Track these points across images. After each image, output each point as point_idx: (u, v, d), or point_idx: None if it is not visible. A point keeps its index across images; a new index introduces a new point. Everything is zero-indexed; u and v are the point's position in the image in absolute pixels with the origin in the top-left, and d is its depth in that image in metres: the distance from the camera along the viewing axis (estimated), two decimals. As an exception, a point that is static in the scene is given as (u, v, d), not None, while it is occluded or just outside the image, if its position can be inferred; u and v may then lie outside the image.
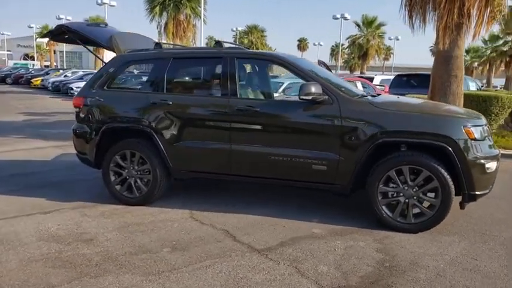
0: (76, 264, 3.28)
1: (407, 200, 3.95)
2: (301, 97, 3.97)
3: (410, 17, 8.64)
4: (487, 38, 37.83)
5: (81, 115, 4.89)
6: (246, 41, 42.51)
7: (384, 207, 4.01)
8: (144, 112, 4.54)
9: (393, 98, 5.57)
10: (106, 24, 5.46)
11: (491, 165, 3.90)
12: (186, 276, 3.10)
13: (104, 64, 5.00)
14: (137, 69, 4.84)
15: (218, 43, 4.71)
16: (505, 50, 34.74)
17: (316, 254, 3.50)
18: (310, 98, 3.97)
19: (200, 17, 23.11)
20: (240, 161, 4.34)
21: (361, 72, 33.91)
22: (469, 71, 42.02)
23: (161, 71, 4.62)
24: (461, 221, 4.32)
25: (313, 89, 3.94)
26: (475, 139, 3.83)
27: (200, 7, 22.94)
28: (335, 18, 32.58)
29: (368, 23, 33.50)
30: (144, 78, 5.12)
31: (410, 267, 3.28)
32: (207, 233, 3.93)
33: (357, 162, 3.98)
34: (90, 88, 4.87)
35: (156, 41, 6.06)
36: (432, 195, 3.90)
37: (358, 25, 33.51)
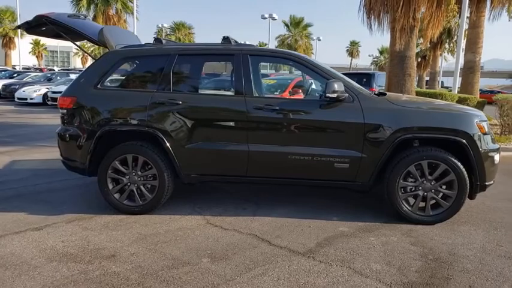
0: (114, 285, 2.91)
1: (425, 194, 4.09)
2: (328, 95, 3.93)
3: (369, 18, 9.02)
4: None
5: (71, 117, 4.36)
6: (173, 38, 41.37)
7: (403, 201, 4.12)
8: (150, 113, 4.17)
9: (403, 96, 5.72)
10: (85, 16, 4.93)
11: (497, 157, 4.19)
12: (246, 287, 2.90)
13: (95, 60, 4.50)
14: (133, 65, 4.38)
15: (226, 39, 4.48)
16: (417, 51, 37.87)
17: (360, 252, 3.48)
18: (335, 95, 3.94)
19: (132, 12, 22.01)
20: (258, 162, 4.17)
21: (290, 72, 34.77)
22: (383, 69, 45.14)
23: (166, 68, 4.28)
24: (463, 211, 4.57)
25: (338, 87, 3.92)
26: (485, 133, 4.08)
27: (132, 2, 21.83)
28: (263, 18, 33.02)
29: (295, 23, 34.54)
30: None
31: (453, 258, 3.39)
32: (236, 239, 3.73)
33: (379, 159, 4.04)
34: (82, 86, 4.36)
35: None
36: (448, 187, 4.08)
37: (286, 25, 34.46)
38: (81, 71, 22.98)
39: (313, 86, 5.90)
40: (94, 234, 3.81)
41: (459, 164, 3.98)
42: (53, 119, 13.63)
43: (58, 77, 21.35)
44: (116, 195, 4.31)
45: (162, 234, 3.84)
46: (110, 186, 4.29)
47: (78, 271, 3.11)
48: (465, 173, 3.99)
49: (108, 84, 4.39)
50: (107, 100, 4.30)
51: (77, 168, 4.45)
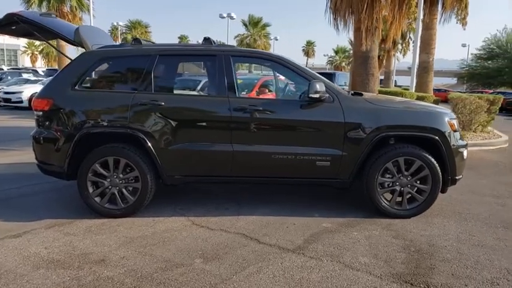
0: (110, 290, 2.87)
1: (402, 189, 4.31)
2: (310, 95, 4.04)
3: (335, 19, 9.28)
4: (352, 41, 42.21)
5: (47, 119, 4.21)
6: (129, 37, 40.28)
7: (381, 196, 4.31)
8: (131, 114, 4.11)
9: (378, 95, 5.93)
10: (56, 15, 4.76)
11: (465, 153, 4.48)
12: (244, 285, 2.95)
13: (71, 61, 4.36)
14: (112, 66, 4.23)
15: (208, 40, 4.48)
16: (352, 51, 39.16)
17: (346, 246, 3.62)
18: (318, 96, 4.06)
19: (88, 10, 21.25)
20: (242, 161, 4.22)
21: (249, 71, 34.93)
22: (339, 69, 46.44)
23: (147, 69, 4.22)
24: (434, 204, 4.80)
25: (320, 87, 4.04)
26: (455, 130, 4.35)
27: (88, 0, 21.10)
28: (222, 17, 32.93)
29: (254, 23, 34.74)
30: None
31: (433, 249, 3.60)
32: (224, 238, 3.76)
33: (359, 156, 4.20)
34: (58, 88, 4.22)
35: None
36: (423, 182, 4.31)
37: (245, 25, 34.56)
38: (35, 70, 21.95)
39: (291, 87, 6.00)
40: (78, 239, 3.71)
41: (433, 160, 4.22)
42: (8, 121, 12.98)
43: (9, 77, 20.30)
44: (97, 199, 4.21)
45: (149, 236, 3.80)
46: (90, 189, 4.18)
47: (70, 277, 3.03)
48: (438, 168, 4.24)
49: (87, 85, 4.27)
50: (85, 102, 4.18)
51: (54, 172, 4.31)
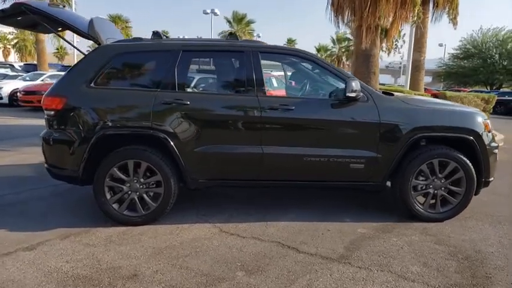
0: (153, 310, 2.58)
1: (436, 191, 4.15)
2: (348, 94, 3.83)
3: (336, 16, 9.11)
4: (335, 39, 42.50)
5: (60, 119, 3.85)
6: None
7: (415, 200, 4.14)
8: (155, 114, 3.80)
9: (410, 95, 5.75)
10: (64, 6, 4.38)
11: (497, 154, 4.36)
12: (299, 301, 2.71)
13: (85, 56, 4.00)
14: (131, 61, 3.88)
15: (233, 35, 4.20)
16: (353, 49, 39.44)
17: (391, 254, 3.42)
18: (355, 95, 3.85)
19: (69, 3, 20.41)
20: (272, 164, 3.96)
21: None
22: (339, 64, 46.22)
23: (169, 66, 3.92)
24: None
25: (357, 86, 3.84)
26: (489, 131, 4.22)
27: (71, -6, 20.34)
28: (205, 13, 32.41)
29: (238, 19, 34.35)
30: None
31: (481, 256, 3.44)
32: (260, 247, 3.50)
33: (394, 158, 4.02)
34: (72, 85, 3.86)
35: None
36: (456, 184, 4.16)
37: (229, 21, 34.14)
38: (11, 65, 20.85)
39: (309, 86, 5.77)
40: (101, 251, 3.39)
41: (468, 161, 4.08)
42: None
43: (-16, 72, 19.33)
44: (115, 205, 3.89)
45: (177, 246, 3.51)
46: (108, 195, 3.85)
47: (103, 296, 2.72)
48: (473, 170, 4.10)
49: (103, 82, 3.92)
50: (103, 100, 3.85)
51: (67, 176, 3.96)
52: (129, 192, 3.88)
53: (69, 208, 4.43)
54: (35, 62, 25.10)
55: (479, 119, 4.16)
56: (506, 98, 23.85)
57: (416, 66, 14.30)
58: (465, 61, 39.82)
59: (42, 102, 3.92)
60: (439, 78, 42.65)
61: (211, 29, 32.30)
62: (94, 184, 3.85)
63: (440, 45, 53.14)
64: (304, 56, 4.22)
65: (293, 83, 6.85)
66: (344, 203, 4.75)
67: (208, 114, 3.91)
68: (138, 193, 3.88)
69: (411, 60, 14.05)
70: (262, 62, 4.00)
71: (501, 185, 5.83)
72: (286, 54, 4.46)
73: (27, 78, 16.70)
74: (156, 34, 4.18)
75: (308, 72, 4.78)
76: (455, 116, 4.18)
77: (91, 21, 4.03)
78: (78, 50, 4.86)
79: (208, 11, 32.14)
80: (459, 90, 29.61)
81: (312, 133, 4.00)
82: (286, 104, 3.94)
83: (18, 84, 15.27)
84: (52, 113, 3.86)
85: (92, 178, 3.86)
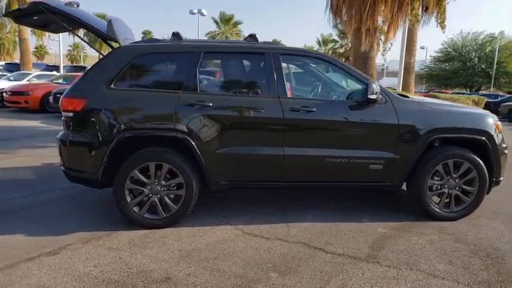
0: (196, 313, 2.57)
1: (450, 191, 4.25)
2: (369, 96, 3.88)
3: (335, 18, 9.21)
4: (320, 40, 42.77)
5: (79, 121, 3.80)
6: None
7: (431, 199, 4.23)
8: (177, 116, 3.78)
9: (425, 97, 5.84)
10: (78, 5, 4.31)
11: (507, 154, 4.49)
12: (338, 301, 2.74)
13: (104, 56, 3.95)
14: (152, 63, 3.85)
15: (252, 37, 4.21)
16: (341, 52, 39.83)
17: (416, 253, 3.49)
18: (375, 97, 3.92)
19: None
20: (293, 166, 3.99)
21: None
22: None
23: (191, 67, 3.90)
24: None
25: (377, 88, 3.91)
26: (500, 132, 4.35)
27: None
28: (192, 13, 32.22)
29: (226, 20, 34.29)
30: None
31: (501, 253, 3.54)
32: (287, 248, 3.52)
33: (411, 159, 4.10)
34: (92, 86, 3.81)
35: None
36: (470, 184, 4.26)
37: (216, 22, 34.05)
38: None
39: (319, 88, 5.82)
40: (127, 255, 3.35)
41: (481, 161, 4.19)
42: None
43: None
44: (135, 208, 3.85)
45: (204, 249, 3.50)
46: (128, 198, 3.81)
47: (141, 300, 2.70)
48: (486, 170, 4.21)
49: (124, 83, 3.88)
50: (124, 102, 3.81)
51: (86, 179, 3.90)
52: (150, 194, 3.85)
53: (84, 211, 4.36)
54: (17, 61, 24.53)
55: (491, 121, 4.28)
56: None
57: (407, 68, 14.57)
58: (446, 64, 40.78)
59: (60, 103, 3.86)
60: (421, 80, 43.52)
61: (198, 29, 32.14)
62: (114, 187, 3.80)
63: (422, 48, 54.13)
64: (326, 59, 4.27)
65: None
66: (359, 203, 4.81)
67: (230, 116, 3.92)
68: (159, 195, 3.86)
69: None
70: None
71: (504, 183, 5.98)
72: (307, 56, 4.49)
73: (12, 78, 16.32)
74: (176, 35, 4.16)
75: (323, 75, 4.84)
76: (468, 117, 4.29)
77: (110, 21, 3.98)
78: (98, 51, 4.79)
79: (195, 11, 31.96)
80: (441, 92, 30.28)
81: (333, 134, 4.05)
82: (307, 105, 3.97)
83: (5, 84, 14.90)
84: (71, 114, 3.81)
85: (111, 181, 3.82)
